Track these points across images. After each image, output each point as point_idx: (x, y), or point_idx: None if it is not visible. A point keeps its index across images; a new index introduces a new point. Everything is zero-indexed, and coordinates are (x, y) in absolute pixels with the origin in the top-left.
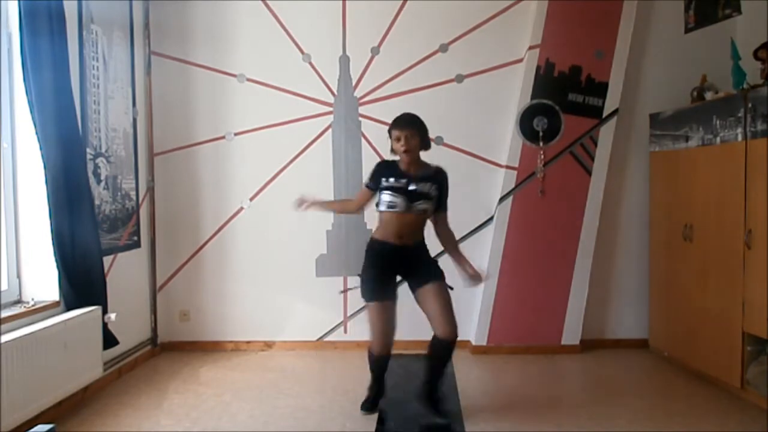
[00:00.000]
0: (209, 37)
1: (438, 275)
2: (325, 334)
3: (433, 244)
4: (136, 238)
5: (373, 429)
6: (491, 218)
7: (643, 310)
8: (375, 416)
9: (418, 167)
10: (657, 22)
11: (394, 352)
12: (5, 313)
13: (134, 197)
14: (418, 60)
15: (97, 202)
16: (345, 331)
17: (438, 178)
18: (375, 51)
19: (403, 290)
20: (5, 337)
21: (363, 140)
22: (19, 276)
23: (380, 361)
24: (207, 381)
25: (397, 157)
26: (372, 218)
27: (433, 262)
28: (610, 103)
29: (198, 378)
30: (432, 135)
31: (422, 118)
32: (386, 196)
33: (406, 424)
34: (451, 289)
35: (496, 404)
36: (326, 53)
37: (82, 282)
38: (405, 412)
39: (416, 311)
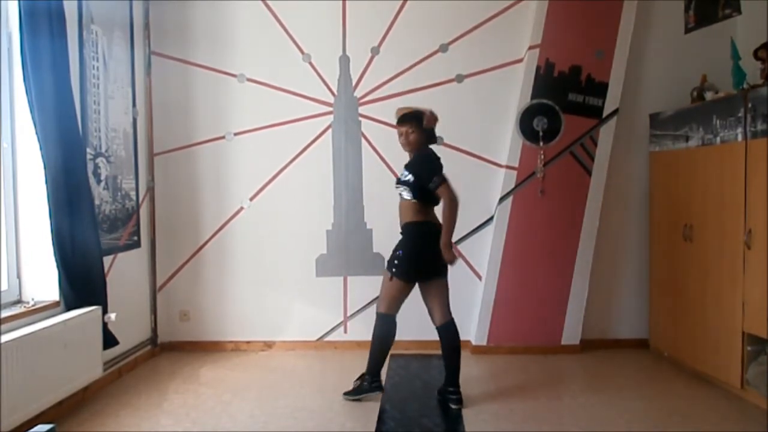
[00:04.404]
0: (209, 37)
1: (441, 272)
2: (325, 334)
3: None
4: (136, 238)
5: (373, 429)
6: (491, 218)
7: (643, 310)
8: (375, 416)
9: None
10: (657, 22)
11: (394, 352)
12: (5, 313)
13: (134, 197)
14: (418, 60)
15: (97, 202)
16: (345, 331)
17: (412, 161)
18: (375, 51)
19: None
20: (5, 337)
21: (363, 140)
22: (19, 276)
23: (391, 322)
24: (207, 381)
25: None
26: (371, 218)
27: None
28: (610, 103)
29: (198, 378)
30: None
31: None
32: None
33: (406, 424)
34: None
35: (496, 404)
36: (326, 53)
37: (82, 282)
38: (405, 412)
39: (417, 312)
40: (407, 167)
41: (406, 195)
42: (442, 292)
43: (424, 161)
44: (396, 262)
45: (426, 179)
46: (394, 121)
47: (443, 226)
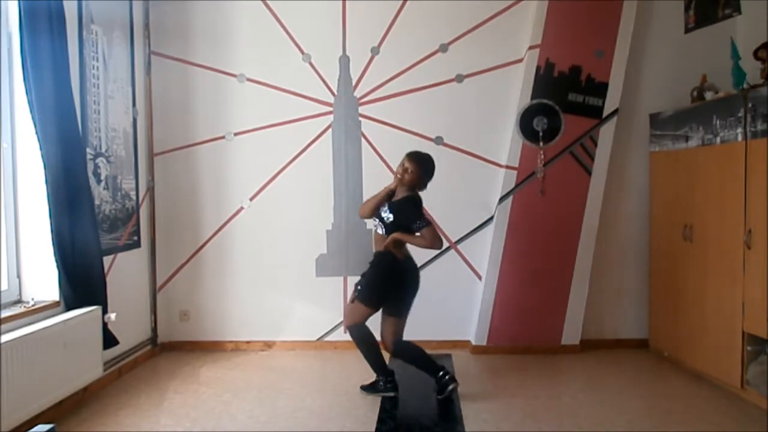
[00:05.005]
0: (209, 37)
1: (399, 313)
2: (325, 334)
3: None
4: (136, 238)
5: (373, 429)
6: (491, 218)
7: (643, 310)
8: (375, 416)
9: (399, 197)
10: (657, 22)
11: None
12: (5, 313)
13: (134, 197)
14: (418, 60)
15: (97, 202)
16: (345, 331)
17: (397, 203)
18: (375, 51)
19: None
20: (5, 337)
21: (363, 140)
22: (19, 276)
23: (363, 328)
24: (207, 381)
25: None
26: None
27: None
28: (610, 103)
29: (198, 378)
30: (432, 135)
31: (422, 117)
32: None
33: (406, 424)
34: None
35: (496, 404)
36: (326, 53)
37: (82, 282)
38: (405, 412)
39: (414, 313)
40: (390, 207)
41: (380, 230)
42: (396, 326)
43: (409, 205)
44: (359, 287)
45: (408, 221)
46: (394, 121)
47: (412, 237)
